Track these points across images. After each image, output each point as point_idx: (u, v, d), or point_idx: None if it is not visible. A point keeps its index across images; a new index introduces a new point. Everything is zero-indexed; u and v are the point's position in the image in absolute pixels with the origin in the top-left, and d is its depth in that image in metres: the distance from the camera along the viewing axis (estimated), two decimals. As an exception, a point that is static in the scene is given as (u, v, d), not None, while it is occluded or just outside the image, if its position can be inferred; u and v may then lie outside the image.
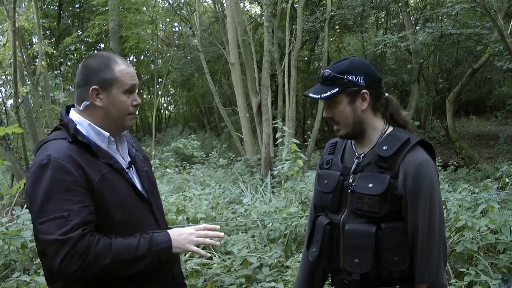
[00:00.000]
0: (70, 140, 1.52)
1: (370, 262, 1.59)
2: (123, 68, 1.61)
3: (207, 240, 1.62)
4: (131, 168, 1.68)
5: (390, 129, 1.71)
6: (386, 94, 1.74)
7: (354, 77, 1.64)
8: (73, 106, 1.67)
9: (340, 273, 1.71)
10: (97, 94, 1.58)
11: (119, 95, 1.59)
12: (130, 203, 1.60)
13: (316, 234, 1.76)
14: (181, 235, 1.59)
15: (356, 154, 1.72)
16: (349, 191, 1.67)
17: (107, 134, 1.61)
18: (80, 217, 1.43)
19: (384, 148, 1.64)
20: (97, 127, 1.60)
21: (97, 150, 1.57)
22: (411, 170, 1.58)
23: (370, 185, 1.61)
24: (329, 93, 1.64)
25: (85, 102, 1.60)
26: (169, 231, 1.60)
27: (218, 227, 1.69)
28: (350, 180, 1.68)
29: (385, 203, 1.59)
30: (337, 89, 1.64)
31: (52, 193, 1.43)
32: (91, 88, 1.57)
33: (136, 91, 1.66)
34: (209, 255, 1.70)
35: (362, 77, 1.64)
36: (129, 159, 1.71)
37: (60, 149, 1.49)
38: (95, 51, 16.80)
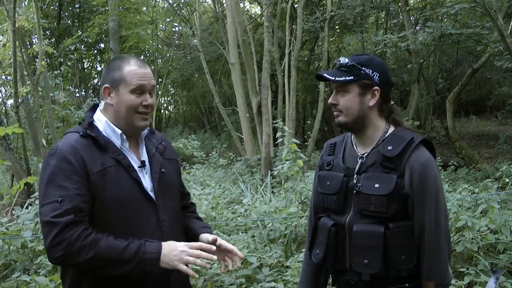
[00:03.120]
0: (81, 133, 1.63)
1: (379, 262, 1.60)
2: (132, 68, 1.67)
3: (198, 261, 1.59)
4: (143, 168, 1.71)
5: (392, 128, 1.72)
6: (392, 102, 1.76)
7: (371, 71, 1.66)
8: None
9: (346, 274, 1.70)
10: (109, 93, 1.69)
11: (126, 94, 1.66)
12: (131, 199, 1.62)
13: (320, 235, 1.75)
14: (173, 250, 1.57)
15: (359, 154, 1.72)
16: (354, 192, 1.66)
17: (119, 131, 1.68)
18: (72, 203, 1.51)
19: (389, 148, 1.64)
20: (112, 124, 1.68)
21: (107, 145, 1.64)
22: (417, 169, 1.60)
23: (376, 185, 1.61)
24: (343, 78, 1.66)
25: (102, 100, 1.72)
26: (162, 243, 1.59)
27: (214, 248, 1.68)
28: (355, 181, 1.67)
29: (392, 203, 1.60)
30: (352, 77, 1.66)
31: (53, 179, 1.55)
32: (103, 87, 1.69)
33: (149, 91, 1.69)
34: (197, 276, 1.68)
35: (378, 74, 1.67)
36: (145, 159, 1.74)
37: (68, 141, 1.61)
38: (95, 51, 16.85)
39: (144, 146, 1.76)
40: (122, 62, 1.69)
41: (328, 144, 1.87)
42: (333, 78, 1.67)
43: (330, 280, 1.91)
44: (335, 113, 1.72)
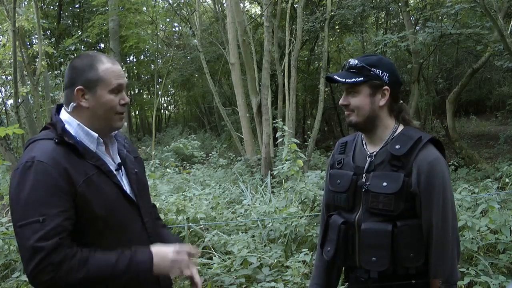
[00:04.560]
0: (57, 140, 1.49)
1: (387, 260, 1.62)
2: (107, 67, 1.57)
3: (188, 272, 1.58)
4: (120, 170, 1.64)
5: (401, 127, 1.74)
6: (401, 101, 1.78)
7: (380, 72, 1.68)
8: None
9: (356, 270, 1.73)
10: (83, 95, 1.56)
11: (105, 95, 1.56)
12: (117, 206, 1.56)
13: (331, 233, 1.78)
14: (163, 259, 1.54)
15: (368, 153, 1.74)
16: (363, 190, 1.69)
17: (96, 135, 1.57)
18: (55, 223, 1.39)
19: (397, 147, 1.66)
20: (86, 127, 1.57)
21: (84, 151, 1.53)
22: (424, 167, 1.61)
23: (384, 183, 1.63)
24: (353, 79, 1.68)
25: (72, 103, 1.57)
26: (152, 250, 1.54)
27: (198, 253, 1.69)
28: (364, 179, 1.70)
29: (400, 201, 1.61)
30: (362, 78, 1.67)
31: (32, 197, 1.41)
32: (75, 89, 1.55)
33: (124, 90, 1.62)
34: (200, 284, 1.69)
35: (387, 74, 1.69)
36: (119, 161, 1.67)
37: (45, 151, 1.46)
38: (95, 51, 16.81)
39: (116, 147, 1.68)
40: (93, 61, 1.57)
41: (339, 143, 1.90)
42: (344, 80, 1.68)
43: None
44: (346, 113, 1.74)
